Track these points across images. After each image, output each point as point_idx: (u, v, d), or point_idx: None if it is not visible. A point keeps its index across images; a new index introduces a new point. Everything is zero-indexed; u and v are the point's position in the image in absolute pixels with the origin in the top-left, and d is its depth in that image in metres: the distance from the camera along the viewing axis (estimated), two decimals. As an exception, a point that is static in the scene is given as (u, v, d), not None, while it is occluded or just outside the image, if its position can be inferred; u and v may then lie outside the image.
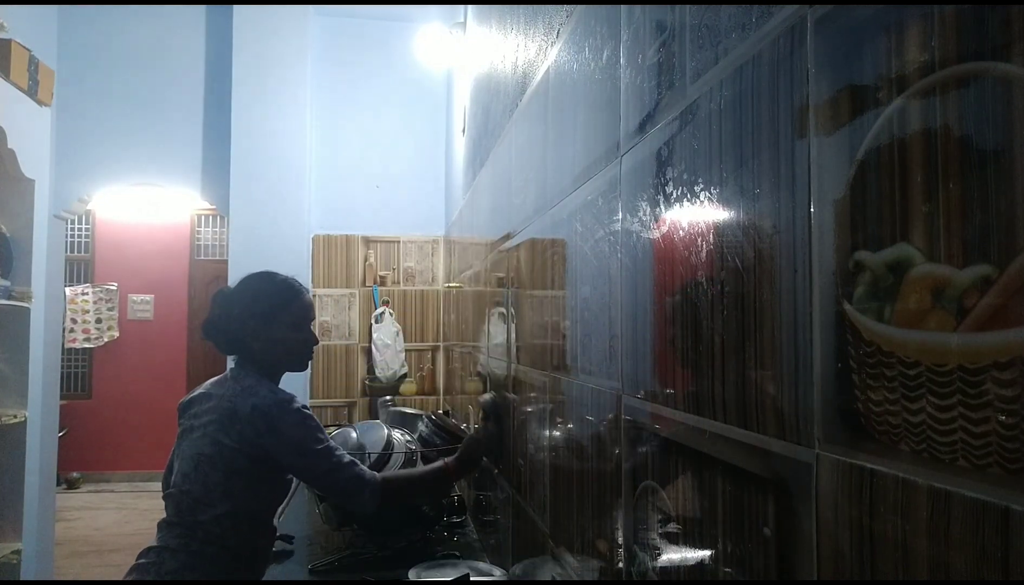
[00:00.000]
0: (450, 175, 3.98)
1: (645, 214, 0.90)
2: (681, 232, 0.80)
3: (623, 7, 1.00)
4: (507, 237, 1.91)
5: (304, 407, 1.63)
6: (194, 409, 1.65)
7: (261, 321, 1.68)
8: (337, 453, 1.63)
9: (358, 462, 1.68)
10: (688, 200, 0.78)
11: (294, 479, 1.71)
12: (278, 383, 1.72)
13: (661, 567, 0.85)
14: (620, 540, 0.99)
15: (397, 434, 2.34)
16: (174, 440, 1.68)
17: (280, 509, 1.80)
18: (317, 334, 1.81)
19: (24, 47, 3.00)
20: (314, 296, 4.00)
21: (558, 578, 1.31)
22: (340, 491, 1.65)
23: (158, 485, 1.77)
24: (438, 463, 1.84)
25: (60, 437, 3.87)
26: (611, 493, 1.03)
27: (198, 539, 1.54)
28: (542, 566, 1.42)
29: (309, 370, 3.97)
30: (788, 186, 0.59)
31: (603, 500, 1.06)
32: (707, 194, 0.74)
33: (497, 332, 2.10)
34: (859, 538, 0.50)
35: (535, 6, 1.63)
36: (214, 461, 1.55)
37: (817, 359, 0.55)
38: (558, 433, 1.36)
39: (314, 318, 1.79)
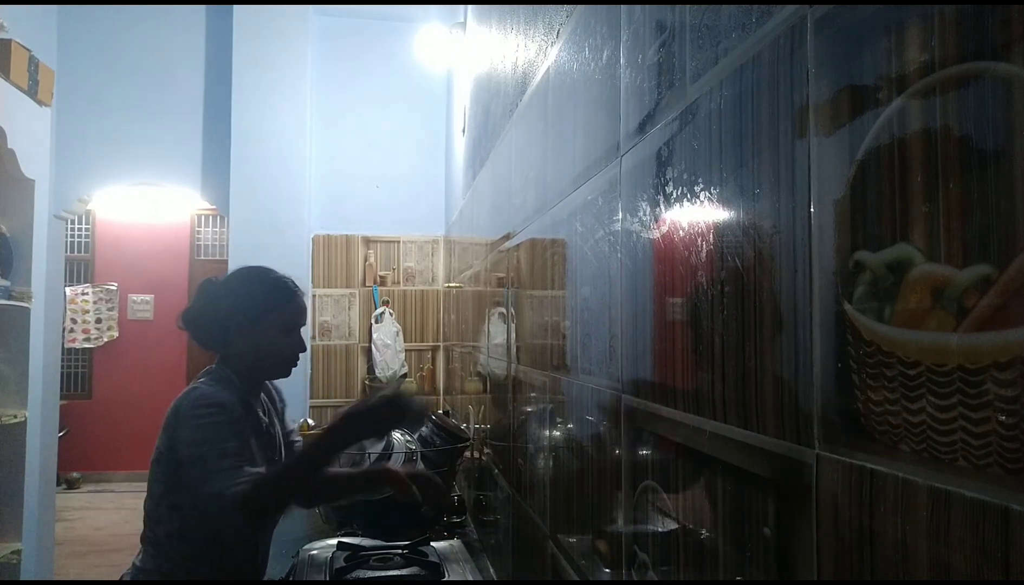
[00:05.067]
0: (450, 175, 3.98)
1: (645, 214, 0.90)
2: (681, 232, 0.80)
3: (623, 7, 1.00)
4: (507, 237, 1.91)
5: (215, 405, 1.43)
6: None
7: (248, 319, 1.58)
8: (211, 464, 1.35)
9: (236, 478, 1.33)
10: (688, 200, 0.78)
11: None
12: (258, 390, 1.64)
13: (661, 567, 0.85)
14: (620, 540, 0.99)
15: (397, 434, 2.34)
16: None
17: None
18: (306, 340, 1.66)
19: (24, 47, 3.00)
20: (314, 296, 4.00)
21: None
22: (202, 512, 1.41)
23: (158, 485, 1.73)
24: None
25: (60, 437, 3.86)
26: (611, 493, 1.03)
27: (167, 562, 1.48)
28: None
29: (309, 370, 3.97)
30: (788, 186, 0.59)
31: (603, 500, 1.06)
32: (707, 194, 0.74)
33: (497, 332, 2.10)
34: (859, 538, 0.50)
35: (535, 6, 1.63)
36: (154, 470, 1.48)
37: (817, 359, 0.55)
38: (558, 433, 1.36)
39: (305, 324, 1.67)
